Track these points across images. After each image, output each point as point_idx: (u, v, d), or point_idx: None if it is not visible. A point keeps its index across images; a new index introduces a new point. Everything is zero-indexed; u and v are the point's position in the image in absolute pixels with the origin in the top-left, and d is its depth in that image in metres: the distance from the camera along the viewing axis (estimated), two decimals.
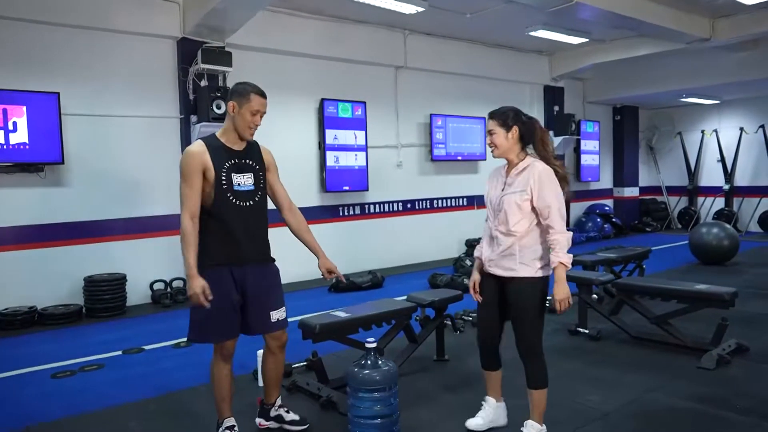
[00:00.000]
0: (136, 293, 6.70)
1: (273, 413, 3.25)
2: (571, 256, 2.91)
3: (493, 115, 3.03)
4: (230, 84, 6.88)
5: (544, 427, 3.00)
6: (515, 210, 2.92)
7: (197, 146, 2.90)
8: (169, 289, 6.83)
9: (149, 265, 6.83)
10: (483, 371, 3.22)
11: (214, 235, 2.89)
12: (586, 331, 4.91)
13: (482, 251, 3.10)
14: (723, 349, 4.21)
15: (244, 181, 2.94)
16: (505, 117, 2.98)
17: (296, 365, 4.22)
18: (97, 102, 6.45)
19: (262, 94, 2.95)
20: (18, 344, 5.28)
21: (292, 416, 3.25)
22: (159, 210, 6.92)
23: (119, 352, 4.91)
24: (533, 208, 2.92)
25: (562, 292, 2.84)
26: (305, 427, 3.25)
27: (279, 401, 3.27)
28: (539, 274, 2.91)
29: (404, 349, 4.24)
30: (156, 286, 6.81)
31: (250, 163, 3.00)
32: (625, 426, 3.23)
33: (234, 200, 2.90)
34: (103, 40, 6.47)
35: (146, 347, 5.05)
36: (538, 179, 2.89)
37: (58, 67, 6.22)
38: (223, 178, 2.87)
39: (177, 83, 6.92)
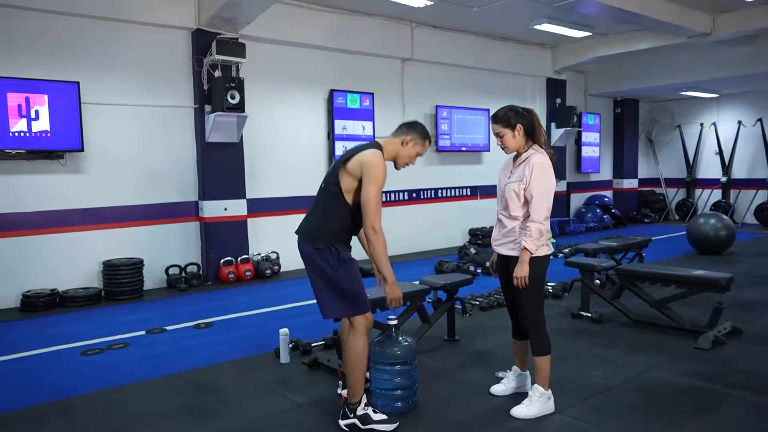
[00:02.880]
0: (152, 277, 6.92)
1: (360, 412, 3.07)
2: (540, 243, 3.15)
3: (496, 119, 3.28)
4: (243, 74, 7.09)
5: (549, 391, 3.28)
6: (514, 197, 3.23)
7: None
8: (183, 274, 7.04)
9: (164, 250, 7.05)
10: (512, 340, 3.56)
11: (345, 224, 3.10)
12: (589, 315, 5.14)
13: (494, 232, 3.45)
14: (718, 331, 4.45)
15: None
16: (508, 118, 3.24)
17: (315, 344, 4.44)
18: (115, 91, 6.64)
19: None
20: (44, 325, 5.50)
21: (380, 416, 3.11)
22: (173, 197, 7.13)
23: (143, 332, 5.13)
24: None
25: (520, 271, 3.14)
26: (396, 425, 3.10)
27: (365, 399, 3.11)
28: (538, 253, 3.17)
29: (417, 329, 4.46)
30: (171, 271, 7.03)
31: None
32: (628, 398, 3.47)
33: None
34: (121, 31, 6.64)
35: (168, 327, 5.27)
36: (531, 170, 3.17)
37: (77, 57, 6.39)
38: None
39: (192, 74, 7.10)
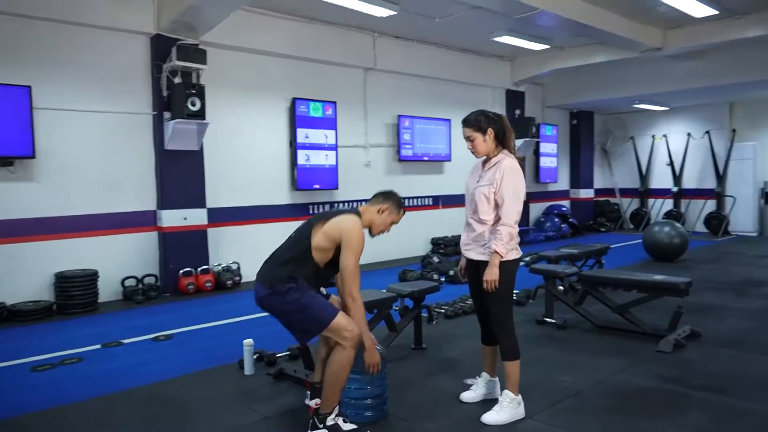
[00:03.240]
0: (107, 290, 6.66)
1: (329, 422, 3.00)
2: (510, 247, 3.18)
3: (467, 123, 3.30)
4: (204, 81, 6.95)
5: (519, 396, 3.28)
6: (484, 200, 3.23)
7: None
8: (140, 286, 6.80)
9: (120, 261, 6.80)
10: (482, 346, 3.54)
11: (305, 275, 3.06)
12: (554, 321, 5.20)
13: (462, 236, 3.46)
14: (678, 335, 4.56)
15: None
16: (479, 122, 3.26)
17: (280, 354, 4.33)
18: (69, 96, 6.40)
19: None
20: None
21: (349, 426, 3.07)
22: (130, 206, 6.90)
23: (98, 346, 4.91)
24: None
25: (490, 274, 3.15)
26: None
27: (336, 410, 3.04)
28: (508, 257, 3.18)
29: (384, 338, 4.40)
30: (128, 283, 6.78)
31: None
32: (596, 401, 3.50)
33: None
34: (76, 35, 6.42)
35: (125, 341, 5.06)
36: (502, 174, 3.19)
37: (29, 60, 6.14)
38: None
39: (150, 79, 6.91)
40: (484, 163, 3.35)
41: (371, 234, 3.26)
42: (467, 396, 3.54)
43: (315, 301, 3.00)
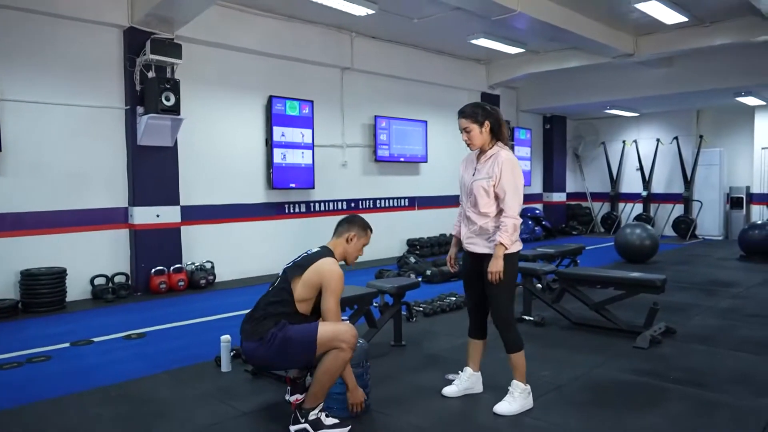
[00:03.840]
0: (76, 288, 6.47)
1: (312, 417, 2.97)
2: (514, 239, 3.19)
3: (464, 114, 3.29)
4: (179, 76, 6.82)
5: (528, 386, 3.28)
6: (483, 194, 3.22)
7: None
8: (111, 284, 6.63)
9: (90, 259, 6.62)
10: (468, 339, 3.52)
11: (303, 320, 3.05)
12: (531, 318, 5.22)
13: (458, 230, 3.45)
14: (654, 331, 4.62)
15: None
16: (476, 114, 3.26)
17: None
18: (38, 89, 6.22)
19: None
20: None
21: (332, 420, 3.03)
22: (100, 203, 6.72)
23: (67, 344, 4.75)
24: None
25: (494, 266, 3.14)
26: (348, 429, 3.03)
27: (320, 406, 3.01)
28: (512, 250, 3.19)
29: (365, 334, 4.35)
30: (97, 281, 6.60)
31: None
32: (576, 396, 3.52)
33: None
34: (45, 25, 6.24)
35: (95, 339, 4.91)
36: (501, 166, 3.19)
37: None
38: None
39: (122, 73, 6.76)
40: (479, 155, 3.33)
41: (348, 263, 3.29)
42: (449, 390, 3.52)
43: (294, 329, 2.95)
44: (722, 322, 5.27)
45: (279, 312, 2.98)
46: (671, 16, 8.03)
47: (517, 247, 3.23)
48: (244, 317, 3.10)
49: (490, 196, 3.21)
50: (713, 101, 12.11)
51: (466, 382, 3.52)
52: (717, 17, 8.37)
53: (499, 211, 3.22)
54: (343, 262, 3.22)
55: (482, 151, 3.31)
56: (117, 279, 6.74)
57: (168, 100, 6.53)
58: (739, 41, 8.55)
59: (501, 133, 3.28)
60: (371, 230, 3.32)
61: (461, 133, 3.31)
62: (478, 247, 3.29)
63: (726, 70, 9.96)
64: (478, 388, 3.51)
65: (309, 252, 3.15)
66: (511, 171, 3.19)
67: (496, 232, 3.19)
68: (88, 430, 3.11)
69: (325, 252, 3.13)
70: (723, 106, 12.60)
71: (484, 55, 10.71)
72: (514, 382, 3.29)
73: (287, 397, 3.33)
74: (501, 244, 3.12)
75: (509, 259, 3.18)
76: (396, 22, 8.33)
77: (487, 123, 3.24)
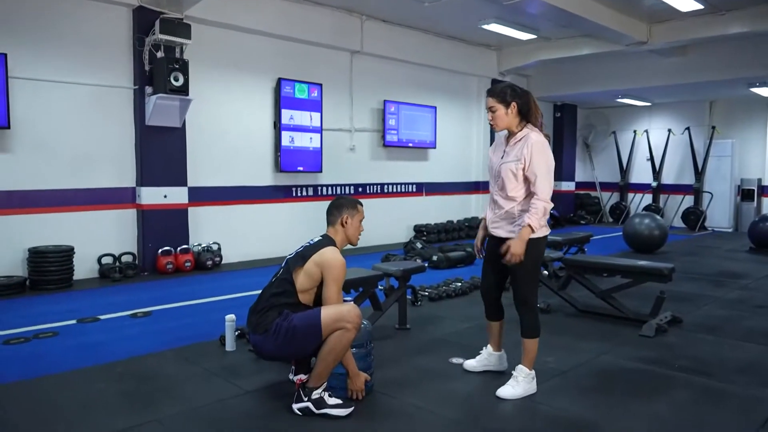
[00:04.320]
0: (83, 267, 6.51)
1: (315, 396, 2.97)
2: (543, 223, 3.15)
3: (492, 93, 3.24)
4: (187, 57, 6.79)
5: (533, 372, 3.27)
6: (511, 177, 3.18)
7: None
8: (118, 264, 6.66)
9: (97, 238, 6.64)
10: (487, 321, 3.55)
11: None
12: (537, 305, 5.19)
13: (486, 213, 3.43)
14: (660, 320, 4.59)
15: None
16: (504, 94, 3.20)
17: None
18: (48, 67, 6.21)
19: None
20: None
21: (335, 400, 3.02)
22: (109, 182, 6.74)
23: (73, 321, 4.79)
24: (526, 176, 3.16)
25: (517, 247, 3.08)
26: (351, 409, 3.01)
27: (324, 386, 3.01)
28: (539, 234, 3.15)
29: (369, 317, 4.35)
30: (104, 260, 6.63)
31: None
32: (581, 381, 3.51)
33: None
34: (55, 3, 6.23)
35: (102, 317, 4.94)
36: (531, 149, 3.13)
37: (5, 27, 5.94)
38: None
39: (131, 53, 6.74)
40: (508, 138, 3.28)
41: (353, 244, 3.28)
42: (469, 364, 3.61)
43: (298, 317, 2.95)
44: (729, 313, 5.23)
45: (281, 303, 2.99)
46: (686, 4, 7.91)
47: (544, 231, 3.20)
48: (249, 309, 3.11)
49: (518, 179, 3.16)
50: (727, 92, 11.94)
51: (485, 359, 3.57)
52: (733, 5, 8.23)
53: (527, 196, 3.17)
54: (348, 246, 3.21)
55: (511, 134, 3.25)
56: (124, 258, 6.77)
57: (177, 80, 6.51)
58: (756, 30, 8.41)
59: (531, 116, 3.21)
60: (360, 204, 3.29)
61: (488, 112, 3.25)
62: (502, 231, 3.26)
63: (740, 59, 9.81)
64: (501, 366, 3.53)
65: (311, 242, 3.15)
66: (542, 153, 3.13)
67: (522, 216, 3.15)
68: (93, 404, 3.12)
69: (327, 241, 3.12)
70: (736, 97, 12.44)
71: (496, 41, 10.60)
72: (520, 366, 3.28)
73: (291, 376, 3.34)
74: (529, 226, 3.06)
75: (536, 243, 3.15)
76: (407, 5, 8.24)
77: (514, 104, 3.18)
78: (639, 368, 3.74)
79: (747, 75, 9.96)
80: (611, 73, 11.50)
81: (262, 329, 2.97)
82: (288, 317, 2.94)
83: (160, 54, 6.60)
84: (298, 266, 3.02)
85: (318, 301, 3.06)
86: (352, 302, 3.17)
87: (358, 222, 3.24)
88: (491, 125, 3.26)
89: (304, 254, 3.05)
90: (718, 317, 5.07)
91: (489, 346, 3.59)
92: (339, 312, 2.92)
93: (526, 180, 3.16)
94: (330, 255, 3.02)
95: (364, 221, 3.30)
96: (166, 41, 6.59)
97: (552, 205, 3.16)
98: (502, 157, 3.26)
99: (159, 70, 6.53)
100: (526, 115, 3.22)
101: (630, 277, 4.88)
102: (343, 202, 3.24)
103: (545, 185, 3.11)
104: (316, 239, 3.16)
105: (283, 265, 3.14)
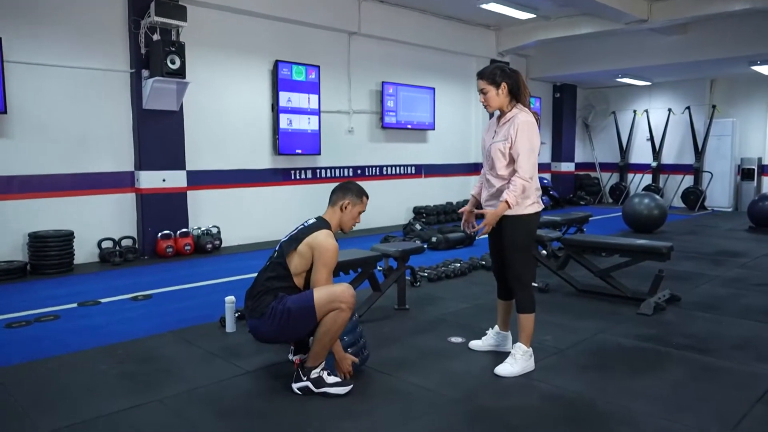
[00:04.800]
0: (83, 251, 6.52)
1: (314, 375, 2.99)
2: (522, 200, 3.18)
3: (482, 75, 3.27)
4: (184, 39, 6.74)
5: (531, 349, 3.31)
6: (500, 156, 3.22)
7: None
8: (118, 248, 6.67)
9: (97, 222, 6.65)
10: (497, 300, 3.59)
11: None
12: (536, 284, 5.21)
13: (477, 190, 3.50)
14: (659, 298, 4.61)
15: None
16: (494, 75, 3.23)
17: None
18: (43, 51, 6.17)
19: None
20: None
21: (334, 378, 3.04)
22: (107, 166, 6.73)
23: (75, 305, 4.81)
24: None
25: (489, 216, 3.16)
26: (349, 388, 3.04)
27: (323, 365, 3.03)
28: (527, 211, 3.21)
29: (368, 298, 4.39)
30: (104, 245, 6.65)
31: None
32: (579, 359, 3.53)
33: None
34: None
35: (102, 300, 4.97)
36: (517, 128, 3.17)
37: (1, 11, 5.88)
38: None
39: (128, 36, 6.68)
40: (499, 118, 3.33)
41: (345, 231, 3.26)
42: (474, 344, 3.66)
43: (292, 299, 2.96)
44: (728, 291, 5.25)
45: (276, 287, 3.00)
46: None
47: (533, 209, 3.24)
48: (246, 293, 3.13)
49: (506, 158, 3.21)
50: (728, 70, 11.86)
51: (492, 339, 3.62)
52: None
53: (513, 174, 3.20)
54: (340, 231, 3.21)
55: (502, 114, 3.30)
56: (124, 242, 6.79)
57: (173, 63, 6.47)
58: (757, 7, 8.32)
59: (521, 96, 3.25)
60: (367, 197, 3.27)
61: (479, 94, 3.29)
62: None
63: (742, 37, 9.71)
64: (507, 347, 3.55)
65: (305, 224, 3.14)
66: (526, 132, 3.16)
67: (505, 191, 3.18)
68: (95, 386, 3.15)
69: (321, 224, 3.11)
70: (737, 76, 12.35)
71: (494, 20, 10.51)
72: (518, 344, 3.31)
73: (290, 356, 3.36)
74: (506, 202, 3.12)
75: (526, 220, 3.20)
76: None
77: (504, 85, 3.21)
78: (637, 346, 3.77)
79: (748, 53, 9.87)
80: (611, 53, 11.42)
81: (258, 313, 2.99)
82: (282, 300, 2.96)
83: (156, 37, 6.54)
84: (291, 249, 3.03)
85: (308, 286, 3.07)
86: (346, 283, 3.16)
87: (357, 213, 3.22)
88: (484, 106, 3.30)
89: (297, 237, 3.06)
90: (717, 295, 5.10)
91: (497, 326, 3.63)
92: (332, 293, 2.93)
93: (512, 158, 3.20)
94: (323, 238, 3.01)
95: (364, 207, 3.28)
96: (161, 24, 6.53)
97: (532, 183, 3.19)
98: (493, 137, 3.31)
99: (155, 53, 6.49)
100: (516, 95, 3.25)
101: (629, 256, 4.90)
102: (351, 187, 3.22)
103: (526, 164, 3.14)
104: (310, 221, 3.15)
105: (276, 248, 3.14)
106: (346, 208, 3.17)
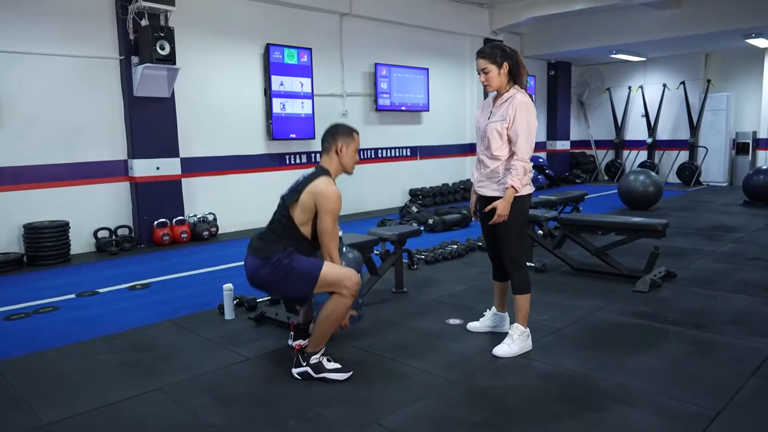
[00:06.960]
0: (80, 241, 6.52)
1: (313, 360, 3.00)
2: (525, 182, 3.19)
3: (483, 55, 3.22)
4: (173, 24, 6.67)
5: (528, 329, 3.34)
6: (496, 137, 3.20)
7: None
8: (114, 237, 6.66)
9: (92, 212, 6.63)
10: (493, 281, 3.61)
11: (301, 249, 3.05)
12: (533, 264, 5.24)
13: (474, 174, 3.46)
14: (655, 275, 4.64)
15: None
16: (495, 55, 3.20)
17: (261, 299, 4.30)
18: (30, 39, 6.09)
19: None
20: None
21: (333, 365, 3.05)
22: (100, 155, 6.69)
23: (73, 295, 4.82)
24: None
25: (502, 208, 3.15)
26: (349, 374, 3.03)
27: (323, 350, 3.04)
28: (521, 192, 3.19)
29: (366, 281, 4.39)
30: (100, 234, 6.64)
31: None
32: (576, 337, 3.56)
33: None
34: None
35: (100, 290, 4.97)
36: (516, 109, 3.14)
37: None
38: None
39: (116, 22, 6.60)
40: (495, 99, 3.30)
41: (348, 173, 3.21)
42: (472, 325, 3.68)
43: (301, 260, 2.96)
44: (723, 266, 5.28)
45: (287, 237, 2.99)
46: None
47: (527, 190, 3.23)
48: (254, 236, 3.13)
49: (503, 138, 3.19)
50: (722, 44, 11.79)
51: (489, 320, 3.64)
52: None
53: (511, 155, 3.19)
54: (344, 175, 3.17)
55: (499, 94, 3.27)
56: (120, 232, 6.78)
57: (163, 48, 6.40)
58: None
59: (520, 77, 3.23)
60: (357, 132, 3.22)
61: (479, 74, 3.26)
62: (487, 190, 3.30)
63: (736, 10, 9.65)
64: (505, 327, 3.56)
65: (305, 175, 3.11)
66: (525, 113, 3.15)
67: (506, 175, 3.19)
68: (96, 376, 3.17)
69: (320, 171, 3.06)
70: (732, 49, 12.30)
71: None
72: (515, 324, 3.33)
73: (290, 342, 3.39)
74: (512, 187, 3.12)
75: (518, 202, 3.19)
76: None
77: (505, 65, 3.18)
78: (633, 323, 3.80)
79: (743, 26, 9.81)
80: (605, 28, 11.33)
81: (263, 254, 2.97)
82: (291, 255, 2.95)
83: (144, 22, 6.47)
84: (293, 201, 3.00)
85: (316, 235, 3.03)
86: (353, 270, 3.12)
87: (353, 150, 3.16)
88: (485, 86, 3.26)
89: (297, 188, 3.03)
90: (712, 270, 5.13)
91: (494, 307, 3.65)
92: (339, 274, 2.93)
93: (510, 139, 3.18)
94: (323, 186, 2.97)
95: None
96: (149, 8, 6.45)
97: (531, 164, 3.20)
98: (489, 118, 3.28)
99: (144, 38, 6.41)
100: (515, 76, 3.22)
101: (624, 234, 4.91)
102: (339, 128, 3.16)
103: (525, 145, 3.14)
104: (310, 171, 3.12)
105: (279, 201, 3.13)
106: (341, 150, 3.11)
